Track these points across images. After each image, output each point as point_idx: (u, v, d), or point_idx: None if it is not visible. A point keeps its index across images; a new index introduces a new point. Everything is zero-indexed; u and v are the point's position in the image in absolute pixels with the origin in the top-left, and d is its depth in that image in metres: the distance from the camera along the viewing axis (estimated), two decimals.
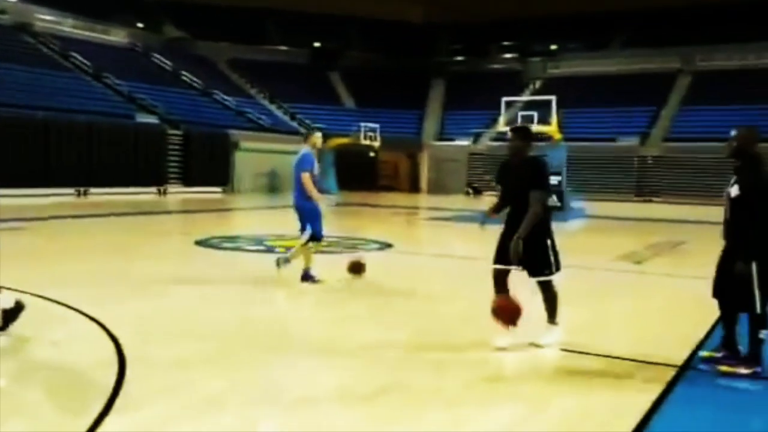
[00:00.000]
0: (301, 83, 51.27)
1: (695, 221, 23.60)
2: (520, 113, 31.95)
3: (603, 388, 5.64)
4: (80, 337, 6.77)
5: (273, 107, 49.01)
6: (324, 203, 9.81)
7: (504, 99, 31.74)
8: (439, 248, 16.24)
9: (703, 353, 6.49)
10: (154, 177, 35.40)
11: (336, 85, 54.74)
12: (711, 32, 48.11)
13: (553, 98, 29.12)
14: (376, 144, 41.24)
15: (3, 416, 4.59)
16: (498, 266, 6.67)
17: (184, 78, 45.80)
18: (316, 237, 10.09)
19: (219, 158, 38.82)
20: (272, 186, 41.26)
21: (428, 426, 4.76)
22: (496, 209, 6.99)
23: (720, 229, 6.27)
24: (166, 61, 46.90)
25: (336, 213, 25.89)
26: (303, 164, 9.98)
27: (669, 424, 4.95)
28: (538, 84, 51.62)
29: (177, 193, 35.75)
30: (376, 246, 14.65)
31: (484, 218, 7.08)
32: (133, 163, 34.30)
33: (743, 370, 5.92)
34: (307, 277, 10.01)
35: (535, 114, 30.32)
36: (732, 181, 6.07)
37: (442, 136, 50.68)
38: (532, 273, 6.66)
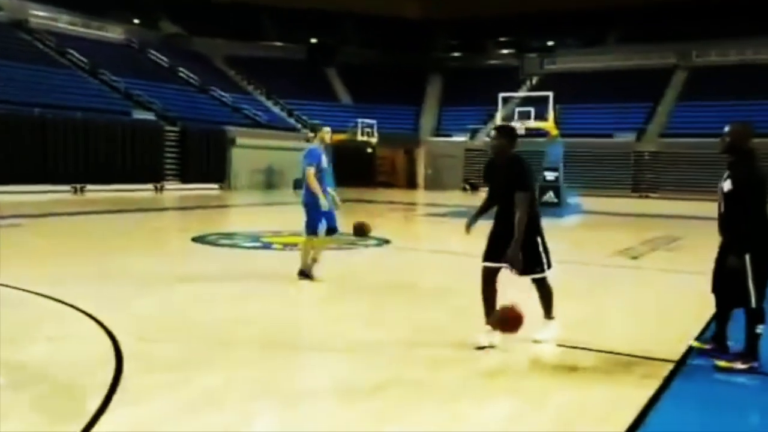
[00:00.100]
0: (297, 79, 51.19)
1: (692, 217, 23.61)
2: (517, 109, 31.86)
3: (600, 383, 5.66)
4: (77, 334, 6.77)
5: (270, 103, 48.95)
6: (323, 202, 9.75)
7: (501, 95, 31.68)
8: (436, 244, 16.25)
9: (693, 343, 6.54)
10: (151, 174, 35.34)
11: (333, 81, 54.67)
12: (707, 27, 48.07)
13: (550, 94, 29.10)
14: (373, 140, 41.24)
15: (1, 413, 4.59)
16: (488, 264, 6.64)
17: (181, 74, 45.70)
18: (313, 230, 10.00)
19: (216, 155, 38.76)
20: (269, 183, 41.26)
21: (426, 422, 4.77)
22: (484, 209, 6.97)
23: (716, 224, 6.30)
24: (163, 58, 46.80)
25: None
26: (308, 159, 9.91)
27: (666, 418, 4.97)
28: (535, 80, 51.59)
29: (174, 190, 35.70)
30: (374, 242, 14.65)
31: (471, 222, 7.00)
32: (130, 160, 34.24)
33: (740, 365, 5.94)
34: (304, 273, 10.01)
35: (532, 110, 30.26)
36: (725, 176, 6.11)
37: (439, 132, 50.66)
38: (525, 271, 6.61)
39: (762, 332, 5.95)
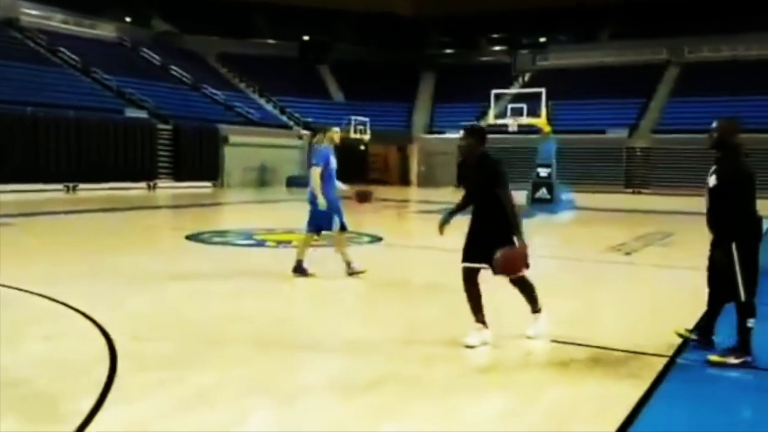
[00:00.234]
0: (290, 77, 51.14)
1: (684, 212, 23.63)
2: (510, 106, 31.86)
3: (593, 378, 5.67)
4: (71, 333, 6.76)
5: (262, 101, 48.90)
6: (321, 202, 9.80)
7: (493, 91, 31.69)
8: (429, 241, 16.21)
9: (681, 331, 6.57)
10: (144, 172, 35.28)
11: (325, 79, 54.63)
12: (699, 23, 48.16)
13: (542, 90, 29.10)
14: (366, 137, 41.23)
15: None
16: (467, 264, 6.60)
17: (173, 72, 45.63)
18: (314, 228, 10.09)
19: (208, 153, 38.72)
20: (262, 180, 41.24)
21: (421, 418, 4.79)
22: (460, 207, 6.94)
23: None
24: (155, 56, 46.71)
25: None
26: (315, 159, 10.04)
27: (659, 413, 4.98)
28: (527, 76, 51.59)
29: (167, 188, 35.66)
30: (367, 239, 14.66)
31: (445, 220, 7.00)
32: (122, 159, 34.18)
33: (733, 360, 5.96)
34: (299, 269, 10.02)
35: (525, 106, 30.28)
36: (711, 171, 6.16)
37: (431, 129, 50.63)
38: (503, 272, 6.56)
39: (753, 326, 5.97)
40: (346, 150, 43.04)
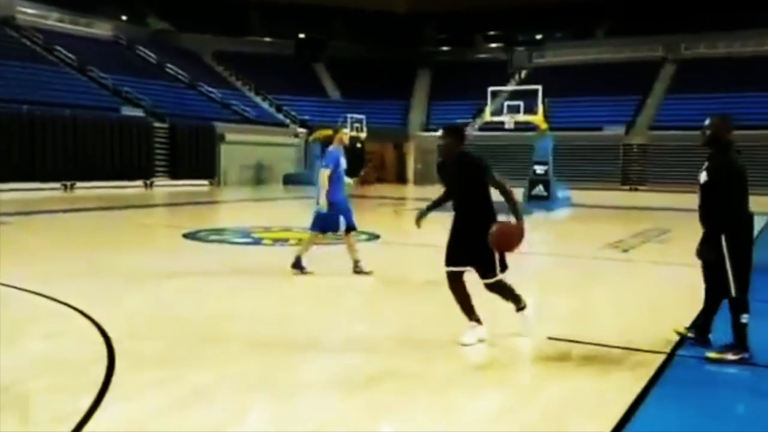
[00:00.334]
0: (286, 75, 51.10)
1: (681, 209, 23.64)
2: (506, 103, 31.84)
3: (591, 375, 5.68)
4: (69, 332, 6.76)
5: (258, 99, 48.84)
6: (322, 202, 9.87)
7: (490, 89, 31.68)
8: (426, 239, 16.21)
9: (680, 329, 6.58)
10: (141, 170, 35.23)
11: (321, 77, 54.58)
12: (696, 20, 48.20)
13: (539, 88, 29.11)
14: (363, 135, 41.22)
15: None
16: (451, 269, 6.58)
17: (169, 71, 45.55)
18: (321, 228, 10.16)
19: (205, 151, 38.68)
20: (258, 178, 41.22)
21: (419, 415, 4.79)
22: (438, 203, 6.96)
23: None
24: (151, 54, 46.62)
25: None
26: (325, 161, 10.13)
27: (656, 410, 4.99)
28: (523, 73, 51.58)
29: (163, 187, 35.64)
30: (364, 237, 14.67)
31: (423, 214, 7.04)
32: (119, 157, 34.13)
33: (731, 357, 5.97)
34: (297, 265, 10.04)
35: (521, 104, 30.30)
36: (703, 167, 6.20)
37: (428, 127, 50.58)
38: (481, 275, 6.53)
39: (747, 322, 5.97)
40: (343, 148, 43.00)
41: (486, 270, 6.47)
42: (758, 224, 17.19)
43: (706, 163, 6.22)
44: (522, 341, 6.63)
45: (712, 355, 6.03)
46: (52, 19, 44.37)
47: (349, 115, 39.50)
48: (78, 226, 17.82)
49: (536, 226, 19.98)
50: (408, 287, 9.67)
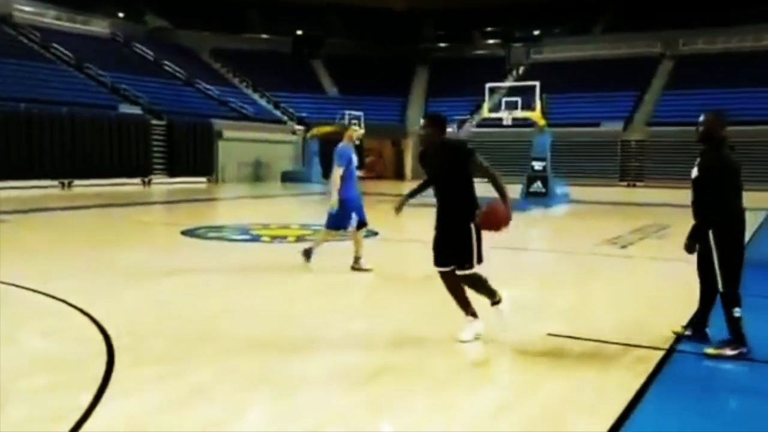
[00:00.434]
0: (283, 72, 51.08)
1: (679, 205, 23.64)
2: (504, 99, 31.85)
3: (589, 371, 5.68)
4: (68, 329, 6.76)
5: (256, 96, 48.82)
6: (333, 201, 9.92)
7: (488, 85, 31.68)
8: (423, 235, 16.22)
9: (677, 329, 6.58)
10: (139, 168, 35.25)
11: (319, 73, 54.56)
12: (693, 16, 48.20)
13: (536, 84, 29.12)
14: (361, 131, 41.20)
15: None
16: (441, 269, 6.60)
17: (167, 68, 45.52)
18: (335, 225, 10.23)
19: (203, 148, 38.69)
20: (256, 175, 41.21)
21: (418, 411, 4.79)
22: (419, 189, 7.03)
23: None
24: (148, 51, 46.57)
25: (322, 202, 25.83)
26: (337, 159, 10.13)
27: (655, 406, 4.99)
28: (521, 70, 51.59)
29: (162, 184, 35.63)
30: (363, 234, 14.65)
31: (403, 202, 7.18)
32: (117, 155, 34.14)
33: (729, 352, 5.97)
34: (308, 254, 10.16)
35: (519, 100, 30.28)
36: (695, 163, 6.23)
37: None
38: (457, 265, 6.49)
39: (740, 316, 5.98)
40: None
41: (463, 261, 6.43)
42: (756, 220, 17.21)
43: (698, 159, 6.25)
44: (520, 337, 6.62)
45: (710, 351, 6.03)
46: (49, 17, 44.33)
47: (346, 112, 39.51)
48: (76, 224, 17.81)
49: (534, 222, 20.00)
50: (407, 284, 9.67)
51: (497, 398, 5.09)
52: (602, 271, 11.30)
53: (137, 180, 34.88)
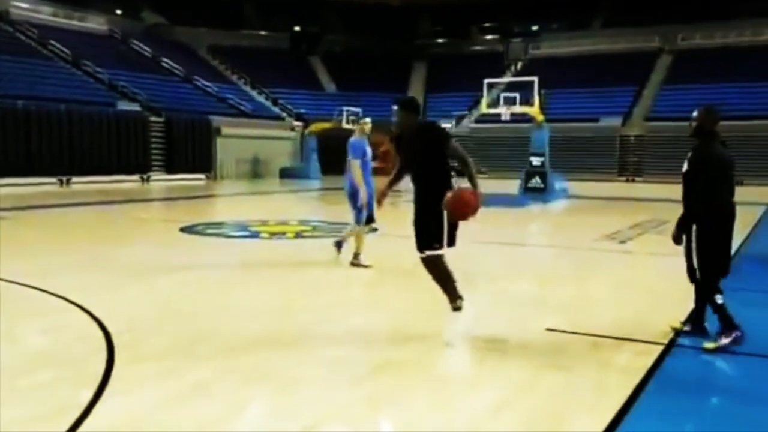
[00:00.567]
0: (281, 68, 51.06)
1: (678, 200, 23.68)
2: (502, 95, 31.88)
3: (589, 366, 5.69)
4: (68, 326, 6.76)
5: (254, 93, 48.79)
6: (363, 195, 9.93)
7: (486, 81, 31.65)
8: None
9: (676, 325, 6.59)
10: (137, 165, 35.21)
11: (317, 70, 54.52)
12: (692, 10, 48.20)
13: (535, 79, 29.13)
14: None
15: None
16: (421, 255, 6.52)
17: (165, 65, 45.48)
18: (360, 220, 10.25)
19: (201, 145, 38.65)
20: (255, 172, 41.18)
21: (417, 407, 4.79)
22: (396, 178, 7.08)
23: None
24: (146, 48, 46.53)
25: (321, 198, 25.87)
26: (353, 152, 10.16)
27: (654, 401, 4.99)
28: (519, 65, 51.57)
29: (160, 181, 35.60)
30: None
31: (384, 193, 7.24)
32: (115, 151, 34.10)
33: (725, 340, 6.00)
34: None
35: (518, 95, 30.31)
36: (686, 157, 6.27)
37: (424, 119, 50.55)
38: (419, 246, 6.39)
39: (723, 301, 6.08)
40: (339, 141, 42.90)
41: (431, 239, 6.33)
42: (755, 214, 17.21)
43: (689, 154, 6.28)
44: (520, 332, 6.63)
45: (708, 345, 6.04)
46: (46, 14, 44.25)
47: (345, 108, 39.48)
48: (75, 221, 17.80)
49: (533, 217, 20.01)
50: (406, 279, 9.66)
51: (497, 394, 5.07)
52: (601, 266, 11.30)
53: (136, 177, 34.84)
